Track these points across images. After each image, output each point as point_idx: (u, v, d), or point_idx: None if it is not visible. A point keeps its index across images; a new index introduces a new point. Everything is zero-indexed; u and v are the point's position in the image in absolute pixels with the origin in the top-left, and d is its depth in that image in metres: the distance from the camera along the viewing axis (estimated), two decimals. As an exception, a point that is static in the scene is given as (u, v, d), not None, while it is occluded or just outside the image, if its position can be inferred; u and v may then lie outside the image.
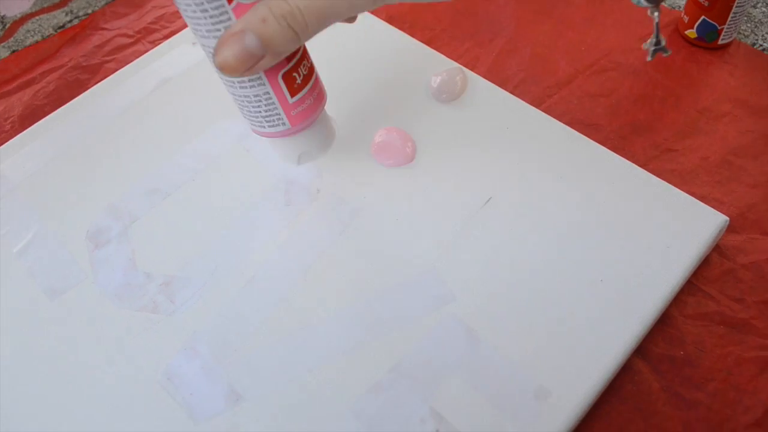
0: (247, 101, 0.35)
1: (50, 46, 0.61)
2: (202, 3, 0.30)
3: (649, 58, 0.36)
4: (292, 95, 0.35)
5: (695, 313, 0.40)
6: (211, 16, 0.30)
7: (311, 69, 0.36)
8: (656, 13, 0.33)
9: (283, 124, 0.36)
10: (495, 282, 0.40)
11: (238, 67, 0.30)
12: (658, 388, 0.38)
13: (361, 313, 0.39)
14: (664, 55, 0.36)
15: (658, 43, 0.36)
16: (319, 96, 0.37)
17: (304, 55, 0.35)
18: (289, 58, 0.33)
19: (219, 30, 0.31)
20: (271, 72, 0.33)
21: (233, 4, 0.30)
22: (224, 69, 0.30)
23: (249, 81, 0.34)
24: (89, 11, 0.64)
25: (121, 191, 0.46)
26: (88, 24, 0.62)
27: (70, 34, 0.61)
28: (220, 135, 0.48)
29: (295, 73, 0.34)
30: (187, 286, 0.41)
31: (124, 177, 0.47)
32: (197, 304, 0.40)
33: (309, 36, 0.30)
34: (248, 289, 0.41)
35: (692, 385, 0.38)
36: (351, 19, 0.34)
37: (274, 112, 0.36)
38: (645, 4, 0.31)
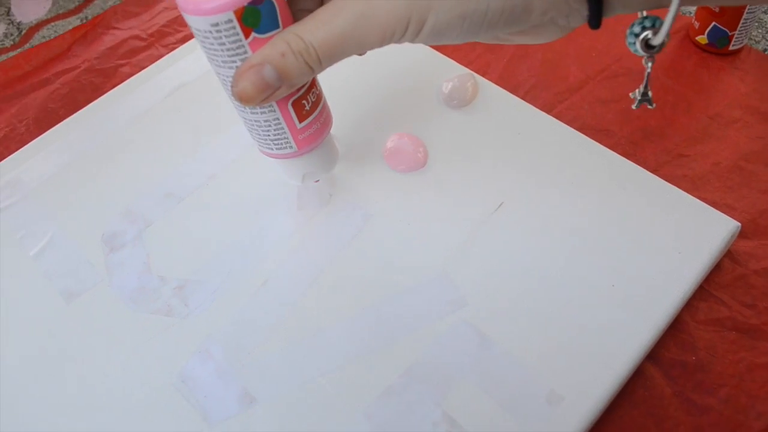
0: (257, 125, 0.36)
1: (61, 44, 0.61)
2: (220, 37, 0.31)
3: (634, 107, 0.36)
4: (301, 121, 0.36)
5: (707, 319, 0.40)
6: (228, 49, 0.32)
7: (319, 96, 0.37)
8: (650, 64, 0.33)
9: (291, 147, 0.37)
10: (507, 287, 0.40)
11: (255, 97, 0.32)
12: (670, 393, 0.38)
13: (374, 317, 0.39)
14: (650, 107, 0.36)
15: (645, 94, 0.36)
16: (325, 121, 0.39)
17: (314, 83, 0.36)
18: (299, 87, 0.34)
19: (234, 61, 0.32)
20: (281, 99, 0.34)
21: (250, 38, 0.31)
22: (242, 98, 0.32)
23: (260, 107, 0.35)
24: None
25: (135, 195, 0.47)
26: (99, 22, 0.62)
27: (81, 32, 0.62)
28: (234, 140, 0.49)
29: (304, 100, 0.35)
30: (200, 290, 0.42)
31: (139, 181, 0.48)
32: (211, 308, 0.41)
33: (321, 70, 0.32)
34: (261, 292, 0.41)
35: (704, 390, 0.38)
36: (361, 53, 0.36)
37: (283, 136, 0.37)
38: (642, 53, 0.32)
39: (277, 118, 0.35)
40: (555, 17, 0.30)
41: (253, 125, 0.37)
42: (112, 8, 0.64)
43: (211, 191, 0.46)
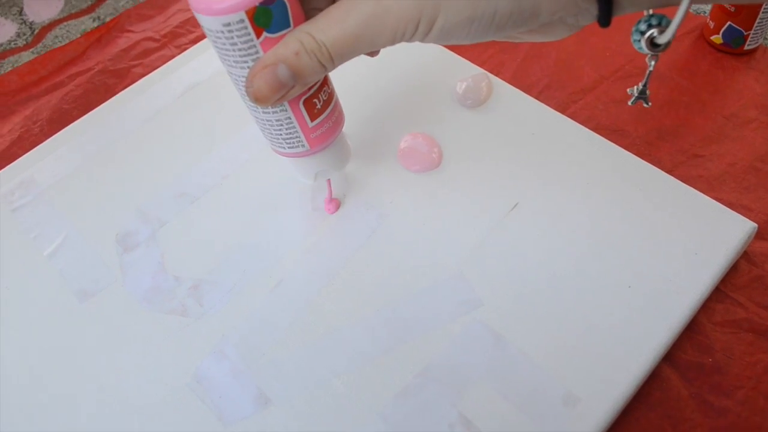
0: (269, 125, 0.36)
1: (76, 48, 0.61)
2: (232, 37, 0.31)
3: (630, 103, 0.36)
4: (312, 119, 0.36)
5: (723, 320, 0.40)
6: (239, 49, 0.32)
7: (331, 94, 0.37)
8: (653, 62, 0.33)
9: (303, 146, 0.37)
10: (522, 288, 0.40)
11: (270, 96, 0.32)
12: (687, 395, 0.37)
13: (389, 317, 0.39)
14: (645, 105, 0.36)
15: (643, 92, 0.36)
16: (337, 120, 0.39)
17: (325, 81, 0.36)
18: (310, 86, 0.34)
19: (246, 61, 0.32)
20: (292, 99, 0.34)
21: (261, 38, 0.31)
22: (257, 98, 0.32)
23: (272, 107, 0.35)
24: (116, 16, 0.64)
25: (149, 195, 0.47)
26: (114, 26, 0.63)
27: (96, 36, 0.62)
28: (248, 140, 0.49)
29: (315, 99, 0.35)
30: (215, 290, 0.42)
31: (153, 181, 0.48)
32: (225, 308, 0.41)
33: (333, 68, 0.32)
34: (276, 292, 0.41)
35: (721, 392, 0.37)
36: (374, 54, 0.37)
37: (295, 135, 0.37)
38: (646, 51, 0.31)
39: (289, 118, 0.35)
40: (564, 16, 0.30)
41: (264, 125, 0.37)
42: (126, 12, 0.64)
43: (224, 191, 0.46)
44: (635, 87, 0.36)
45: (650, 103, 0.36)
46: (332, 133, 0.38)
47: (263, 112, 0.35)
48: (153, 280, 0.43)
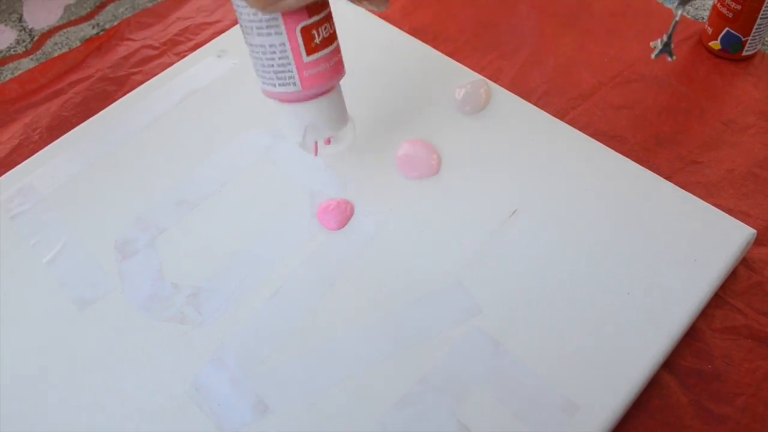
0: (262, 51, 0.35)
1: (76, 56, 0.61)
2: None
3: (653, 56, 0.35)
4: (308, 53, 0.35)
5: (723, 327, 0.40)
6: None
7: (333, 35, 0.36)
8: (680, 12, 0.33)
9: (294, 84, 0.36)
10: (521, 295, 0.40)
11: None
12: (686, 402, 0.37)
13: (388, 325, 0.39)
14: (669, 59, 0.35)
15: (668, 44, 0.35)
16: (336, 66, 0.37)
17: (328, 18, 0.35)
18: (310, 13, 0.34)
19: None
20: (290, 23, 0.33)
21: None
22: None
23: (267, 27, 0.34)
24: (116, 23, 0.64)
25: (148, 203, 0.47)
26: (114, 34, 0.63)
27: (96, 44, 0.62)
28: (247, 147, 0.49)
29: (314, 30, 0.34)
30: (214, 298, 0.42)
31: (152, 188, 0.48)
32: (224, 315, 0.41)
33: None
34: (275, 300, 0.41)
35: (720, 399, 0.37)
36: (381, 5, 0.35)
37: (287, 68, 0.35)
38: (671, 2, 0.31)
39: (284, 44, 0.34)
40: None
41: (258, 51, 0.35)
42: (126, 20, 0.64)
43: (224, 198, 0.46)
44: (659, 39, 0.35)
45: (675, 57, 0.35)
46: (328, 78, 0.36)
47: (258, 35, 0.34)
48: (152, 287, 0.43)
